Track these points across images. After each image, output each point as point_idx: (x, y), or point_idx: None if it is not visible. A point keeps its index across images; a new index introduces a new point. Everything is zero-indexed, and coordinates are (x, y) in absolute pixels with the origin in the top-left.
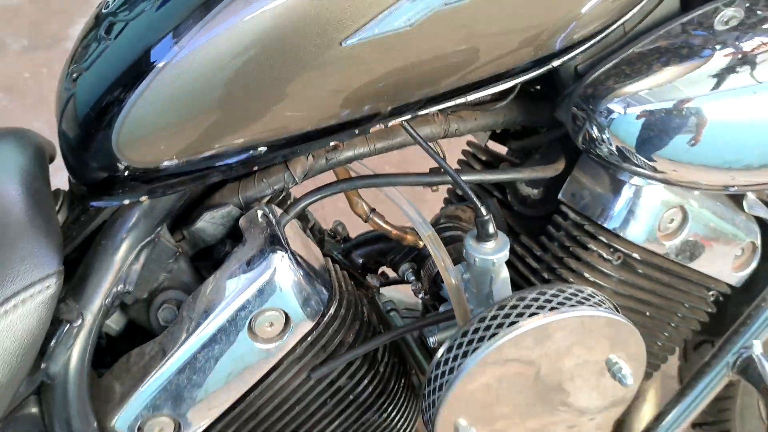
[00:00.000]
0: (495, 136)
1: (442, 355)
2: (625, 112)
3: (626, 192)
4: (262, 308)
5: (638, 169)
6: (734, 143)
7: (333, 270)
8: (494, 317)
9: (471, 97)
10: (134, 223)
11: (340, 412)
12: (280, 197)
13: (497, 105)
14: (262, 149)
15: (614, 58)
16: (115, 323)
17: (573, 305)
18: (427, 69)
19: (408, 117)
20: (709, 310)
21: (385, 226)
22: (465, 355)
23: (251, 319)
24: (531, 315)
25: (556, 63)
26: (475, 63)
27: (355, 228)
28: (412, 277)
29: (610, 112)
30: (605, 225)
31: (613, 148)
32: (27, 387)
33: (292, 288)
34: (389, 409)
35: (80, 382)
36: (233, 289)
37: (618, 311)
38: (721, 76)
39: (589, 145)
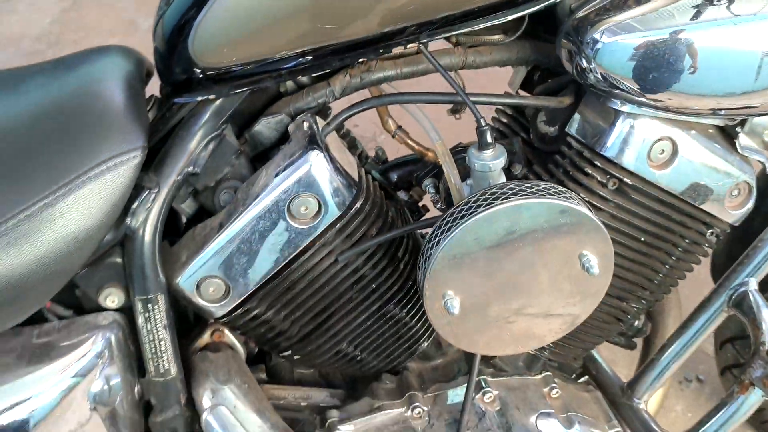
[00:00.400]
0: (524, 86)
1: (432, 231)
2: (608, 41)
3: (620, 121)
4: (298, 193)
5: (625, 94)
6: (714, 71)
7: (364, 176)
8: (476, 200)
9: (482, 25)
10: (205, 119)
11: (364, 299)
12: (324, 112)
13: (508, 39)
14: (308, 58)
15: None
16: (188, 207)
17: (544, 195)
18: None
19: (425, 40)
20: (708, 246)
21: (409, 141)
22: (449, 230)
23: (290, 202)
24: (505, 199)
25: None
26: None
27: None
28: (433, 190)
29: (595, 41)
30: (602, 152)
31: (599, 76)
32: (113, 237)
33: (324, 179)
34: (408, 306)
35: (154, 238)
36: (277, 177)
37: (590, 210)
38: (701, 7)
39: (581, 75)
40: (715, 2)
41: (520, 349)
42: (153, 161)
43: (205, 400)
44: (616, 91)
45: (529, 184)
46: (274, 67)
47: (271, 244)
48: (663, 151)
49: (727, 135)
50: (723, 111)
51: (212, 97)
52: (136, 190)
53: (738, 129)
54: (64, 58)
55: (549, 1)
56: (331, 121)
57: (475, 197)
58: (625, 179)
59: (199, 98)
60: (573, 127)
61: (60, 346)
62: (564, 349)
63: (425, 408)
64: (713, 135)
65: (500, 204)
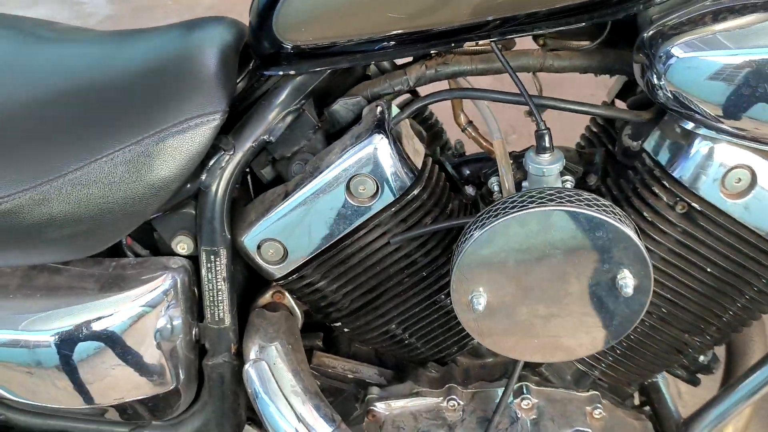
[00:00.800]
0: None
1: (468, 226)
2: (683, 56)
3: (696, 143)
4: (358, 173)
5: (699, 117)
6: None
7: (429, 165)
8: (513, 201)
9: (563, 27)
10: (285, 93)
11: (414, 284)
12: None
13: (590, 46)
14: (383, 44)
15: (684, 8)
16: (267, 173)
17: (582, 206)
18: None
19: (509, 36)
20: None
21: (477, 137)
22: (482, 227)
23: (349, 180)
24: (541, 203)
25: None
26: None
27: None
28: (497, 188)
29: (669, 56)
30: (673, 173)
31: (669, 94)
32: (188, 189)
33: (384, 163)
34: None
35: (224, 196)
36: (342, 154)
37: (632, 229)
38: None
39: (651, 92)
40: None
41: (547, 357)
42: (234, 126)
43: (252, 353)
44: (689, 112)
45: (571, 193)
46: (349, 50)
47: (328, 217)
48: (740, 179)
49: None
50: None
51: (292, 72)
52: (214, 149)
53: None
54: (176, 25)
55: (635, 9)
56: (404, 109)
57: (513, 197)
58: (694, 204)
59: (281, 72)
60: (650, 144)
61: (133, 279)
62: (616, 371)
63: (461, 402)
64: None
65: (533, 208)
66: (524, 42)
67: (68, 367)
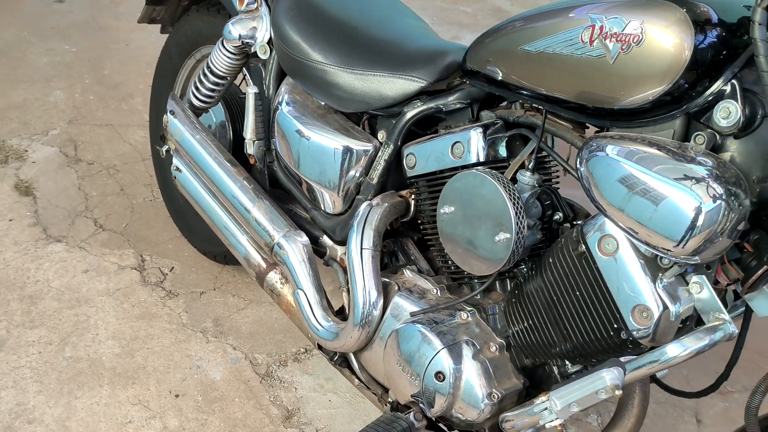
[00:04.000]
0: None
1: None
2: (601, 155)
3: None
4: None
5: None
6: None
7: None
8: None
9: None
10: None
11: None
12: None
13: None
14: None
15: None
16: None
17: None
18: None
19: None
20: None
21: None
22: None
23: None
24: None
25: None
26: None
27: None
28: None
29: (598, 149)
30: (582, 228)
31: (582, 177)
32: None
33: None
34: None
35: None
36: None
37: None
38: None
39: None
40: None
41: (466, 268)
42: None
43: None
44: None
45: None
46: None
47: None
48: (609, 244)
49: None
50: None
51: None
52: None
53: None
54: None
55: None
56: None
57: None
58: (584, 250)
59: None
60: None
61: None
62: (526, 342)
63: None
64: None
65: None
66: None
67: None
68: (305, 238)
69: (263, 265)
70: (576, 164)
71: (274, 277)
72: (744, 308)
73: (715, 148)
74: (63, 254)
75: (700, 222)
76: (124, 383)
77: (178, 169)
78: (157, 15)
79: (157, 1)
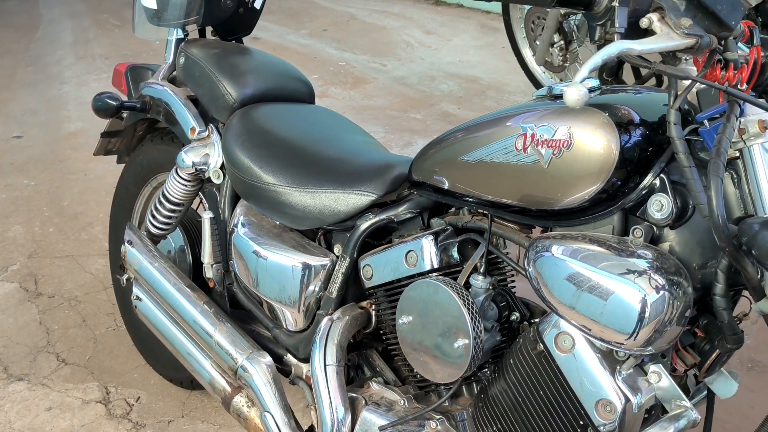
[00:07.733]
0: None
1: None
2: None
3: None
4: None
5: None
6: None
7: None
8: None
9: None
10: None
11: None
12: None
13: None
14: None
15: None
16: None
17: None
18: None
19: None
20: None
21: None
22: None
23: None
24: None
25: None
26: None
27: None
28: None
29: (544, 250)
30: (539, 327)
31: (531, 276)
32: None
33: None
34: None
35: None
36: None
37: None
38: None
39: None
40: None
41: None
42: None
43: None
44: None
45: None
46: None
47: None
48: (565, 341)
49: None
50: None
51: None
52: None
53: None
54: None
55: None
56: None
57: None
58: (542, 349)
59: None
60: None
61: None
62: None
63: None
64: None
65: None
66: None
67: None
68: (269, 359)
69: (228, 389)
70: (524, 265)
71: (240, 401)
72: (706, 391)
73: (653, 240)
74: (25, 393)
75: (647, 313)
76: None
77: (138, 297)
78: (112, 147)
79: (111, 134)
